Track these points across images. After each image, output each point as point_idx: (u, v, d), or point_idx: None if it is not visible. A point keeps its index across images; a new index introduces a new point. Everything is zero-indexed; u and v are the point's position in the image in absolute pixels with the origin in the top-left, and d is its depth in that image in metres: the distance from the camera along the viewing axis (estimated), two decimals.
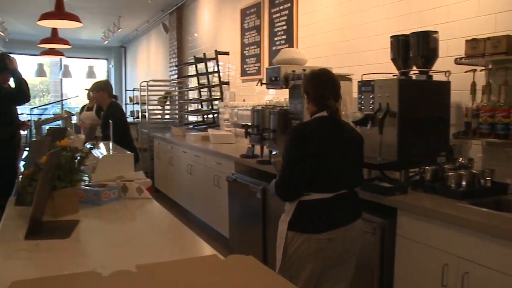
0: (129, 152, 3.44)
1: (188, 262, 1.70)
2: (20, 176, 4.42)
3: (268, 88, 4.33)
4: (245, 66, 6.42)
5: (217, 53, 6.81)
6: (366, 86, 3.16)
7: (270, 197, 3.91)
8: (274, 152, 4.14)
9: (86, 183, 2.76)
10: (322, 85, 2.57)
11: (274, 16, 5.61)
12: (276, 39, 5.60)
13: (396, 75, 3.20)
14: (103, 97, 5.49)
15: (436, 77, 3.13)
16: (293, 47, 5.16)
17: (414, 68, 3.18)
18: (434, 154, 3.02)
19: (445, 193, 2.68)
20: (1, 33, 10.94)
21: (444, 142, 3.08)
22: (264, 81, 4.29)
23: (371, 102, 3.10)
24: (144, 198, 2.79)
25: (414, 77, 3.17)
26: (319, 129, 2.52)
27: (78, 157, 2.48)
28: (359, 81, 3.27)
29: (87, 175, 2.75)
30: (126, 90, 14.17)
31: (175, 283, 1.48)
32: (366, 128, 3.05)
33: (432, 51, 3.07)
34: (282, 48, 5.18)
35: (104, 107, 5.53)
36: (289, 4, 5.26)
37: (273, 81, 4.05)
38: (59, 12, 5.52)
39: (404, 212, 2.64)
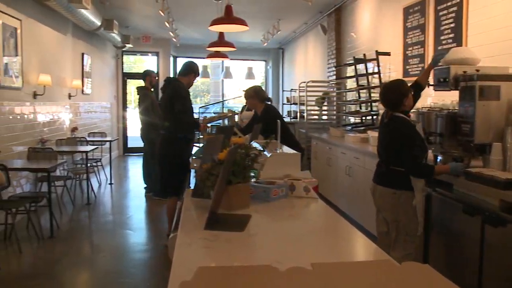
0: (295, 152, 3.53)
1: (363, 264, 1.70)
2: (193, 170, 4.79)
3: (435, 90, 4.11)
4: (407, 67, 6.20)
5: (378, 53, 6.67)
6: None
7: (434, 203, 3.75)
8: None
9: (255, 180, 2.89)
10: (382, 92, 3.72)
11: (441, 13, 5.34)
12: (442, 38, 5.32)
13: None
14: (254, 103, 5.73)
15: None
16: (461, 46, 4.87)
17: None
18: None
19: None
20: (174, 39, 12.00)
21: None
22: (431, 83, 4.11)
23: None
24: (310, 197, 2.84)
25: None
26: (381, 121, 3.81)
27: (252, 155, 2.61)
28: None
29: (256, 172, 2.87)
30: (283, 91, 14.56)
31: (351, 285, 1.48)
32: None
33: None
34: (448, 48, 4.92)
35: (259, 112, 5.74)
36: (458, 0, 4.97)
37: (442, 83, 3.85)
38: (229, 18, 5.87)
39: None
